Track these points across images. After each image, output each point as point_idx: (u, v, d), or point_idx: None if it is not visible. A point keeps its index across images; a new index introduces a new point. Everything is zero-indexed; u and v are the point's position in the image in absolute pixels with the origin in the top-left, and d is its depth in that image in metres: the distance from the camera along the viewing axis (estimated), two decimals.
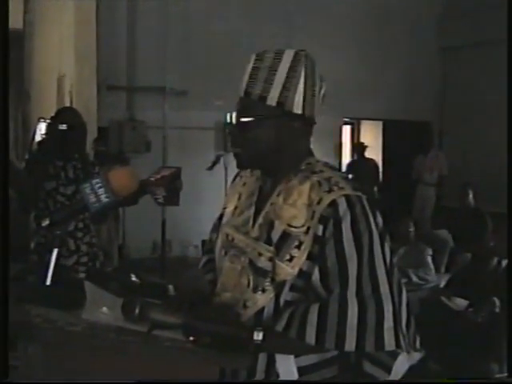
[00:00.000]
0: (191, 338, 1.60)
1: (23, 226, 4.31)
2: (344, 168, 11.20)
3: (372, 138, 12.60)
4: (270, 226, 1.84)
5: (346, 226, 1.73)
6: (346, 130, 13.02)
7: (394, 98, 11.43)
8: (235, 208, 2.02)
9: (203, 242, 8.44)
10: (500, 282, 4.96)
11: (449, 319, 5.12)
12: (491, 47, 10.07)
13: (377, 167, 11.17)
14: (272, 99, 1.82)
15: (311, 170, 1.86)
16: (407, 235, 6.49)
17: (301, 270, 1.77)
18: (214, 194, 7.92)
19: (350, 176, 1.86)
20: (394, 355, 1.78)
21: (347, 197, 1.76)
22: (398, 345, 1.72)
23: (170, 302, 1.91)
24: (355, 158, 11.63)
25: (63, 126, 4.03)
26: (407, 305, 1.79)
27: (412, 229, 6.54)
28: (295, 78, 1.82)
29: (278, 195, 1.87)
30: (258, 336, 1.70)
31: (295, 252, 1.77)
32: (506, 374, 4.55)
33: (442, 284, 6.01)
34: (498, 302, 4.93)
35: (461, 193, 8.42)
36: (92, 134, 7.40)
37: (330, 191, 1.77)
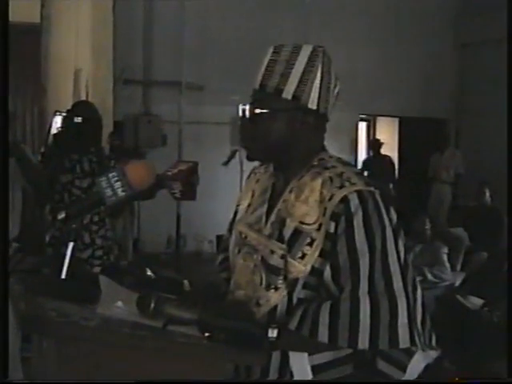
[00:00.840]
0: (206, 334, 1.59)
1: (39, 218, 4.33)
2: (359, 165, 11.15)
3: (388, 134, 12.53)
4: (282, 223, 1.82)
5: (357, 222, 1.72)
6: (362, 126, 12.97)
7: (411, 95, 11.38)
8: (249, 205, 2.01)
9: (218, 237, 8.45)
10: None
11: (464, 318, 5.09)
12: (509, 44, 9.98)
13: (392, 164, 11.13)
14: (288, 92, 1.81)
15: (323, 166, 1.84)
16: (423, 233, 6.46)
17: (313, 267, 1.75)
18: (229, 189, 7.91)
19: (366, 173, 1.84)
20: (409, 354, 1.76)
21: (359, 192, 1.74)
22: (412, 342, 1.70)
23: (186, 297, 1.90)
24: (371, 154, 11.58)
25: (79, 120, 4.04)
26: (422, 303, 1.77)
27: (428, 226, 6.51)
28: (312, 74, 1.81)
29: (290, 192, 1.85)
30: (273, 333, 1.68)
31: (307, 249, 1.76)
32: None
33: (458, 283, 5.98)
34: None
35: (477, 191, 8.36)
36: (107, 127, 7.41)
37: (341, 187, 1.75)
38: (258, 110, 1.83)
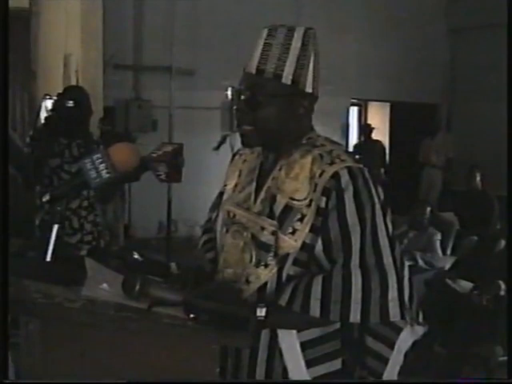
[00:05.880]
0: (191, 316, 1.59)
1: (28, 202, 4.30)
2: (351, 149, 11.15)
3: (379, 119, 12.54)
4: (273, 200, 1.84)
5: (348, 198, 1.74)
6: (354, 111, 12.97)
7: (402, 80, 11.36)
8: (235, 185, 2.02)
9: None
10: (505, 266, 4.95)
11: (453, 302, 5.11)
12: (501, 29, 9.97)
13: (384, 149, 11.14)
14: (287, 77, 1.81)
15: (312, 144, 1.86)
16: (422, 221, 6.44)
17: (304, 242, 1.77)
18: (219, 174, 7.85)
19: (357, 157, 1.86)
20: (397, 330, 1.79)
21: (349, 168, 1.76)
22: (402, 316, 1.73)
23: (173, 280, 1.91)
24: (362, 139, 11.59)
25: (70, 103, 4.02)
26: (409, 279, 1.79)
27: (428, 215, 6.49)
28: (307, 57, 1.83)
29: (280, 169, 1.87)
30: (261, 312, 1.70)
31: (298, 225, 1.78)
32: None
33: (448, 266, 5.99)
34: (503, 285, 4.92)
35: (468, 176, 8.36)
36: (98, 113, 7.37)
37: (331, 163, 1.78)
38: (258, 96, 1.82)
